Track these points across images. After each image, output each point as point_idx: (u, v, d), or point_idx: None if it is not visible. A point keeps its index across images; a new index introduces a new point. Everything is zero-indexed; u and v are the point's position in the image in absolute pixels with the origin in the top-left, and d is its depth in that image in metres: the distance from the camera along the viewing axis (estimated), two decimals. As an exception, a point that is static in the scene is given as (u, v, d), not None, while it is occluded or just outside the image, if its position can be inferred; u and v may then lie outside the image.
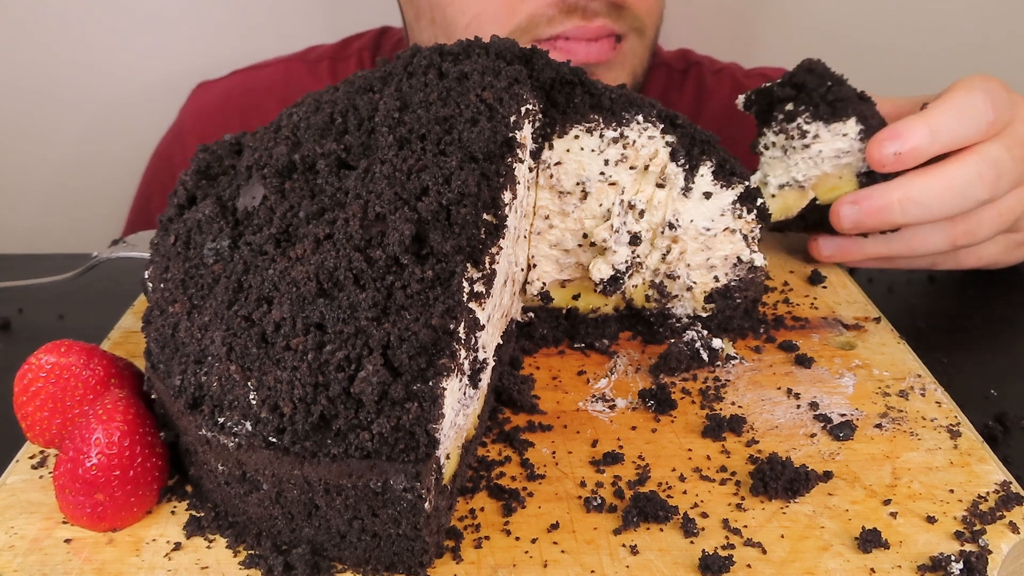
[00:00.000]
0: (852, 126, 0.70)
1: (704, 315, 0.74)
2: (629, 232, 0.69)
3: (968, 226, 0.75)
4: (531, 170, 0.66)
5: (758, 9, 1.46)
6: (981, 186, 0.71)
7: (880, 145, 0.70)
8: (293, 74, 1.26)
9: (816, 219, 0.77)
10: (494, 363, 0.59)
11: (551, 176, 0.67)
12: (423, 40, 1.05)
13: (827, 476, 0.56)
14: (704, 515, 0.53)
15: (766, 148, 0.76)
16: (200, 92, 1.30)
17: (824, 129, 0.71)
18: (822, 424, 0.62)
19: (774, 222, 0.75)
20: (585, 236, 0.70)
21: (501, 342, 0.64)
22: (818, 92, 0.72)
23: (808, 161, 0.71)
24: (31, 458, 0.58)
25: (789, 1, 1.44)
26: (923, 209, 0.71)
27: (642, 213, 0.69)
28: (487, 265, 0.51)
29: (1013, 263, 0.83)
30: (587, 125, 0.65)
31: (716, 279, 0.73)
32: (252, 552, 0.50)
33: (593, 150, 0.66)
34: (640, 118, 0.65)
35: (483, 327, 0.51)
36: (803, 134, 0.71)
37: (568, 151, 0.66)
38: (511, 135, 0.57)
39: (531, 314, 0.73)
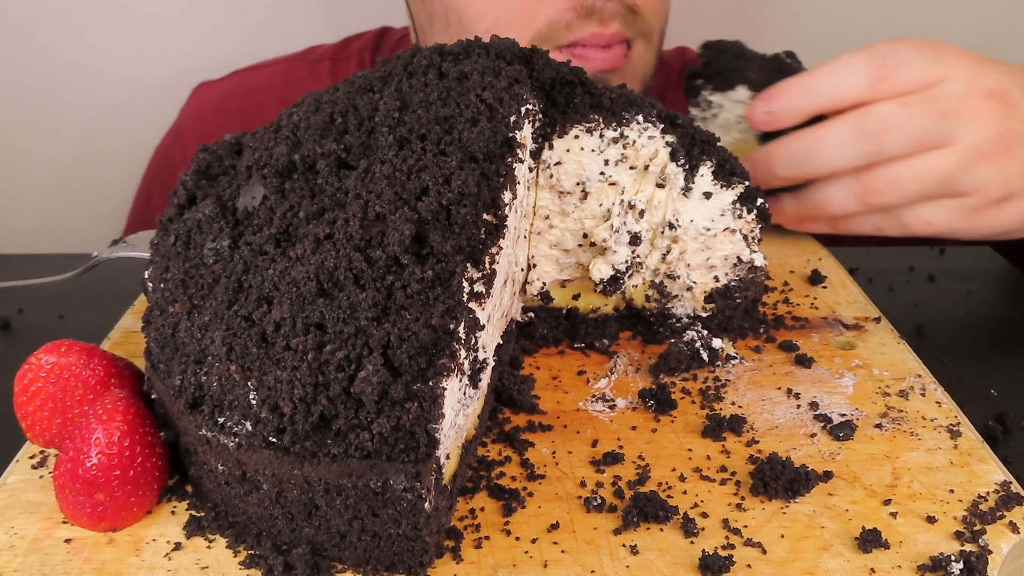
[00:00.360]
0: (743, 92, 0.74)
1: (704, 315, 0.74)
2: (629, 232, 0.69)
3: (878, 185, 0.74)
4: (531, 170, 0.66)
5: (758, 8, 1.46)
6: (860, 142, 0.71)
7: (753, 105, 0.73)
8: (293, 74, 1.26)
9: None
10: (494, 363, 0.59)
11: (551, 176, 0.67)
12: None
13: (827, 476, 0.56)
14: (704, 515, 0.53)
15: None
16: (200, 92, 1.30)
17: (722, 98, 0.75)
18: (822, 424, 0.62)
19: None
20: (585, 236, 0.70)
21: (501, 342, 0.64)
22: (718, 67, 0.76)
23: (720, 130, 0.75)
24: (31, 458, 0.58)
25: (788, 3, 1.45)
26: (798, 162, 0.73)
27: (642, 213, 0.69)
28: (487, 265, 0.51)
29: (980, 234, 0.78)
30: (587, 125, 0.65)
31: (716, 279, 0.73)
32: (252, 552, 0.50)
33: (593, 150, 0.66)
34: (640, 118, 0.65)
35: (483, 327, 0.51)
36: (708, 105, 0.76)
37: (568, 151, 0.66)
38: (511, 135, 0.57)
39: (531, 314, 0.73)
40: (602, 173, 0.67)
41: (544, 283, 0.72)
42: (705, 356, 0.68)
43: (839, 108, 0.74)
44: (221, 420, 0.49)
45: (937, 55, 0.74)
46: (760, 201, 0.69)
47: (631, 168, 0.67)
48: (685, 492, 0.55)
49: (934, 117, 0.72)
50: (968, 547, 0.50)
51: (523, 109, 0.59)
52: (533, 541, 0.51)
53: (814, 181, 0.77)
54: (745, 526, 0.52)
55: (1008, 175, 0.73)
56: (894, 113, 0.72)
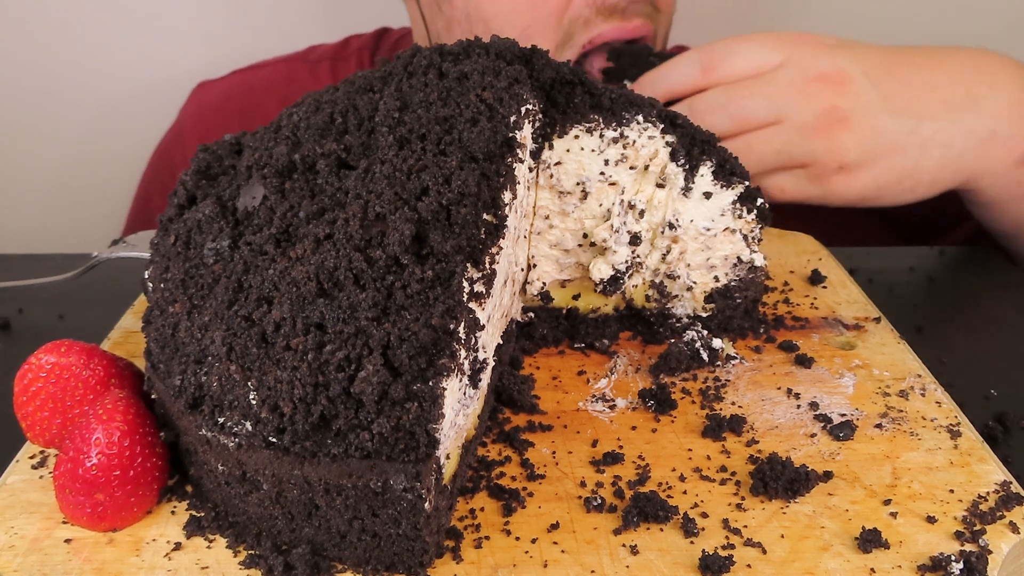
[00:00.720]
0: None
1: (704, 315, 0.74)
2: (629, 232, 0.69)
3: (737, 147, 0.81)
4: (531, 170, 0.66)
5: (758, 8, 1.46)
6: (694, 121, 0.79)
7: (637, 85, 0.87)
8: (293, 74, 1.26)
9: None
10: (494, 363, 0.59)
11: (551, 176, 0.67)
12: None
13: (827, 476, 0.56)
14: (704, 515, 0.53)
15: None
16: (200, 92, 1.30)
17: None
18: (822, 424, 0.62)
19: None
20: (585, 236, 0.70)
21: (501, 342, 0.64)
22: (621, 65, 0.92)
23: None
24: (31, 458, 0.58)
25: (788, 3, 1.45)
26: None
27: (642, 213, 0.69)
28: (487, 265, 0.51)
29: (838, 200, 0.86)
30: (587, 125, 0.65)
31: (716, 279, 0.73)
32: (252, 552, 0.50)
33: (593, 150, 0.66)
34: (640, 118, 0.65)
35: (483, 327, 0.51)
36: None
37: (568, 151, 0.66)
38: (511, 135, 0.57)
39: (531, 314, 0.73)
40: (602, 173, 0.67)
41: (544, 283, 0.72)
42: (705, 356, 0.68)
43: (682, 95, 0.86)
44: (221, 420, 0.49)
45: (776, 46, 0.83)
46: (760, 201, 0.69)
47: (631, 168, 0.67)
48: (685, 492, 0.55)
49: (758, 98, 0.82)
50: (968, 547, 0.50)
51: (523, 109, 0.59)
52: (533, 541, 0.51)
53: None
54: (745, 526, 0.52)
55: (841, 146, 0.82)
56: (716, 98, 0.83)
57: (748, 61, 0.84)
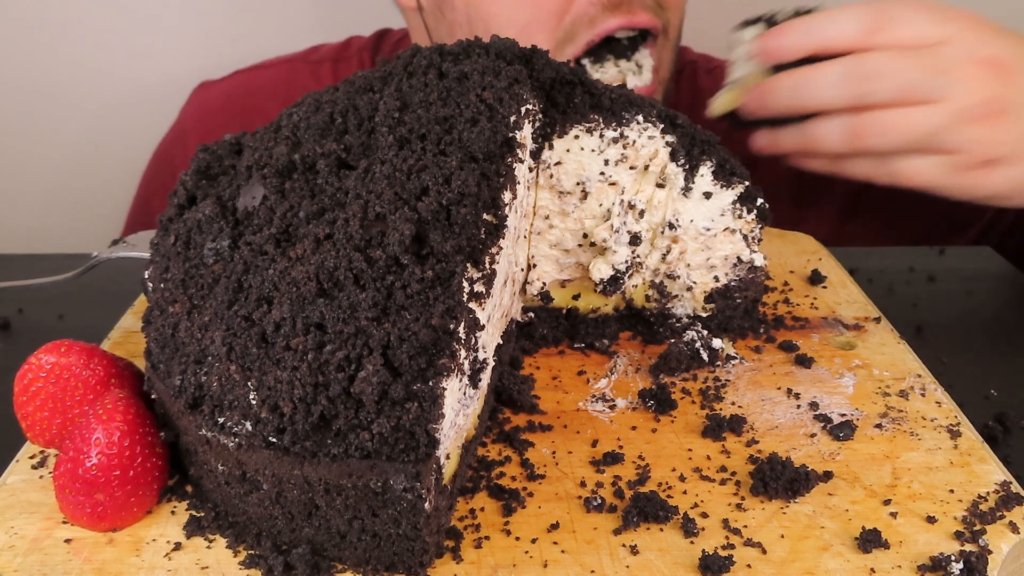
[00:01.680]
0: (760, 27, 0.82)
1: (704, 315, 0.74)
2: (629, 232, 0.69)
3: (867, 128, 0.77)
4: (531, 170, 0.66)
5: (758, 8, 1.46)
6: (848, 84, 0.76)
7: (761, 38, 0.80)
8: (295, 74, 1.26)
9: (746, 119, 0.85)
10: (494, 363, 0.59)
11: (551, 176, 0.67)
12: None
13: (827, 476, 0.56)
14: (704, 515, 0.53)
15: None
16: (201, 92, 1.30)
17: (744, 33, 0.83)
18: (822, 424, 0.62)
19: (720, 115, 0.85)
20: (585, 236, 0.70)
21: (501, 342, 0.64)
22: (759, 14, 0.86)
23: (738, 63, 0.83)
24: (31, 458, 0.58)
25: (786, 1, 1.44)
26: (792, 94, 0.79)
27: (642, 213, 0.69)
28: (487, 265, 0.51)
29: (968, 194, 0.81)
30: (587, 125, 0.65)
31: (716, 279, 0.73)
32: (252, 552, 0.50)
33: (593, 150, 0.66)
34: (640, 118, 0.65)
35: (483, 327, 0.51)
36: (732, 43, 0.84)
37: (568, 151, 0.66)
38: (511, 135, 0.57)
39: (531, 314, 0.73)
40: (602, 173, 0.67)
41: (544, 283, 0.72)
42: (705, 356, 0.68)
43: (834, 51, 0.78)
44: (221, 420, 0.49)
45: (942, 18, 0.77)
46: (760, 201, 0.70)
47: (631, 168, 0.67)
48: (685, 492, 0.55)
49: (925, 72, 0.75)
50: (968, 547, 0.50)
51: (523, 109, 0.59)
52: (533, 541, 0.51)
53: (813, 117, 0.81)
54: (745, 526, 0.52)
55: (995, 139, 0.76)
56: (884, 61, 0.76)
57: (913, 31, 0.77)
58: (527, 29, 0.93)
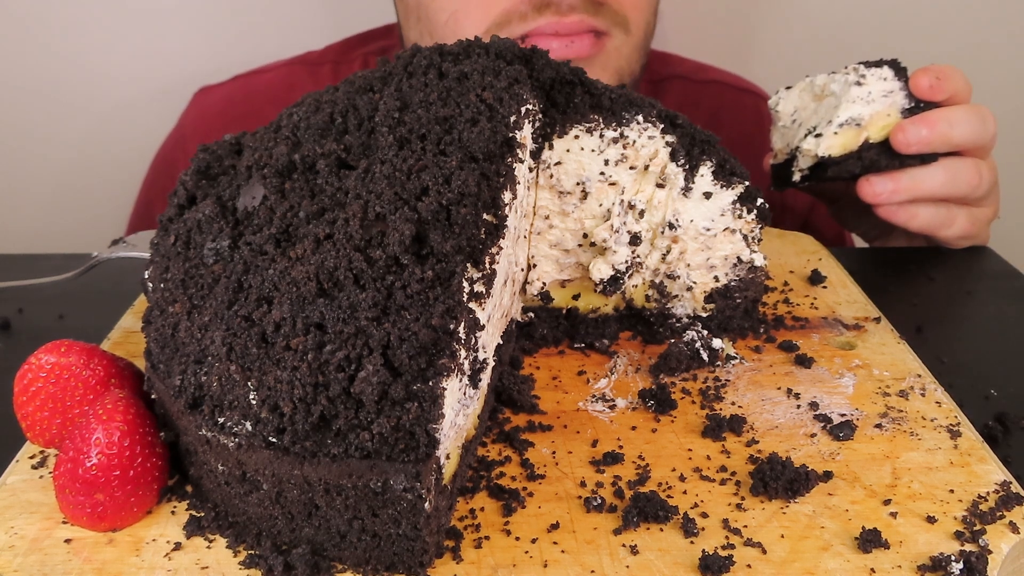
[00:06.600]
0: (888, 71, 0.85)
1: (704, 315, 0.74)
2: (629, 232, 0.69)
3: (967, 171, 0.87)
4: (531, 170, 0.66)
5: (757, 10, 1.46)
6: (977, 123, 0.84)
7: (925, 74, 0.85)
8: (295, 78, 1.26)
9: (870, 158, 0.86)
10: (494, 363, 0.59)
11: (551, 176, 0.67)
12: (412, 38, 1.06)
13: (827, 476, 0.56)
14: (704, 515, 0.53)
15: (795, 109, 0.89)
16: (201, 96, 1.30)
17: (869, 72, 0.85)
18: (822, 424, 0.62)
19: (835, 158, 0.86)
20: (585, 236, 0.70)
21: (501, 342, 0.64)
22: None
23: (861, 101, 0.84)
24: (31, 458, 0.58)
25: (786, 3, 1.44)
26: (933, 129, 0.84)
27: (642, 213, 0.69)
28: (487, 265, 0.51)
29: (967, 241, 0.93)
30: (587, 125, 0.65)
31: (716, 279, 0.73)
32: (252, 552, 0.50)
33: (593, 150, 0.66)
34: (640, 118, 0.65)
35: (483, 327, 0.51)
36: (856, 72, 0.85)
37: (568, 151, 0.66)
38: (511, 135, 0.57)
39: (531, 314, 0.73)
40: (602, 173, 0.67)
41: (544, 283, 0.72)
42: (705, 356, 0.68)
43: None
44: (221, 420, 0.49)
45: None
46: (760, 201, 0.70)
47: (631, 168, 0.67)
48: (685, 492, 0.55)
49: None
50: (968, 547, 0.50)
51: (523, 109, 0.59)
52: (533, 541, 0.51)
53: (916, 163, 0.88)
54: (745, 526, 0.52)
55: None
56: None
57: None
58: (455, 16, 0.96)
